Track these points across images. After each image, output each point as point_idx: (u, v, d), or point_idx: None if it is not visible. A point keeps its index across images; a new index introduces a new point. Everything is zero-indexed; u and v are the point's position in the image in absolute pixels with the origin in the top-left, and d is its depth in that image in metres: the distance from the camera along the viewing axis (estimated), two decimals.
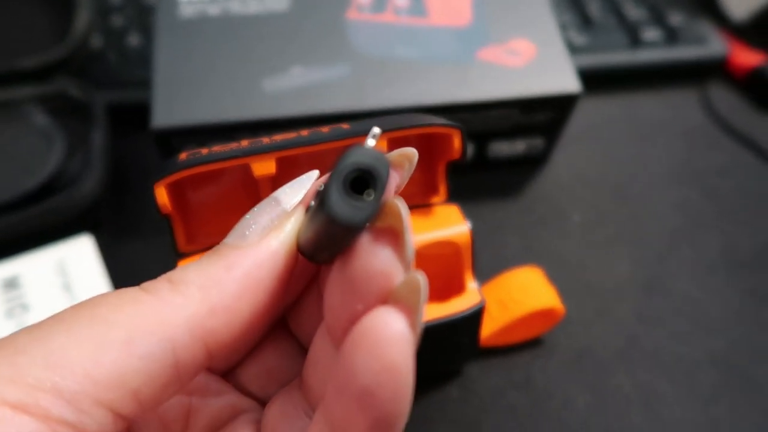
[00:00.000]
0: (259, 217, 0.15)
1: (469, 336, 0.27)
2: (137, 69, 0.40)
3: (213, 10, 0.34)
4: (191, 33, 0.34)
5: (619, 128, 0.41)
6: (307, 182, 0.16)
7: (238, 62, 0.33)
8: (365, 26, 0.34)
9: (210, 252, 0.15)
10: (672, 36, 0.43)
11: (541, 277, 0.29)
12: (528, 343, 0.30)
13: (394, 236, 0.14)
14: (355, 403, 0.13)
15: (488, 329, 0.28)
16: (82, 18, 0.37)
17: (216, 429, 0.17)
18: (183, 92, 0.31)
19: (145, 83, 0.37)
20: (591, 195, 0.37)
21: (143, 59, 0.40)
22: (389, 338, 0.12)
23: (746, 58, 0.43)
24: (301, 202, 0.16)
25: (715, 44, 0.43)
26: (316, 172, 0.17)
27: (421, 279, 0.13)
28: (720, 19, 0.45)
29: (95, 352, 0.13)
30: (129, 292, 0.14)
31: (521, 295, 0.28)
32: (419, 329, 0.13)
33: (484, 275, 0.30)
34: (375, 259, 0.13)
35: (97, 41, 0.41)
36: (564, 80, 0.33)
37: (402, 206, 0.14)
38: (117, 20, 0.42)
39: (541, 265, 0.30)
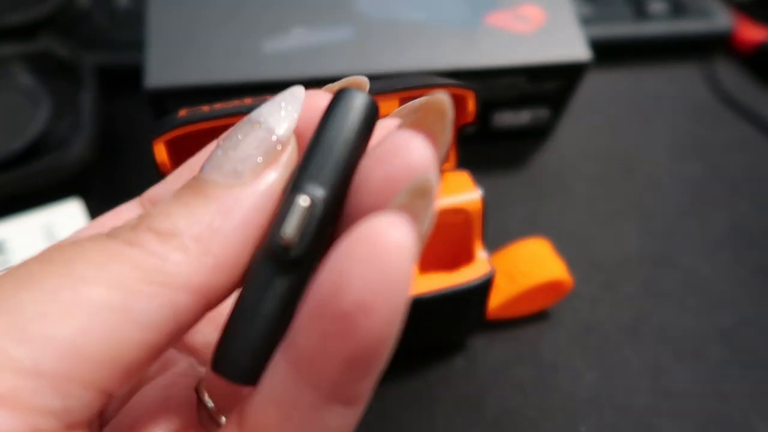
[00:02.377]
0: (248, 148, 0.13)
1: (477, 306, 0.26)
2: (126, 30, 0.38)
3: None
4: None
5: (624, 102, 0.40)
6: (296, 103, 0.14)
7: (237, 21, 0.31)
8: None
9: (192, 190, 0.13)
10: (678, 9, 0.42)
11: (548, 248, 0.28)
12: (534, 317, 0.29)
13: (432, 137, 0.12)
14: (333, 326, 0.10)
15: (495, 301, 0.27)
16: None
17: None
18: (179, 51, 0.30)
19: (134, 45, 0.35)
20: (596, 168, 0.36)
21: (132, 20, 0.38)
22: (395, 245, 0.10)
23: (752, 33, 0.42)
24: (291, 128, 0.14)
25: (720, 18, 0.42)
26: (301, 89, 0.14)
27: (433, 179, 0.12)
28: None
29: (84, 321, 0.11)
30: (108, 244, 0.12)
31: (529, 266, 0.28)
32: (420, 246, 0.12)
33: (491, 247, 0.29)
34: (410, 156, 0.12)
35: (84, 1, 0.39)
36: (574, 48, 0.32)
37: (447, 103, 0.13)
38: None
39: (547, 239, 0.30)
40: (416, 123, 0.13)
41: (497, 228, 0.33)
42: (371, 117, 0.13)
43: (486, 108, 0.34)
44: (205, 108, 0.21)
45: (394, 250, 0.10)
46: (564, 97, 0.34)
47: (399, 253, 0.10)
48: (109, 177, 0.33)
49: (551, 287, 0.28)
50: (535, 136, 0.37)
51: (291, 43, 0.30)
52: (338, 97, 0.13)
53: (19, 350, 0.10)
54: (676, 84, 0.41)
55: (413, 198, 0.12)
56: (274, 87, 0.30)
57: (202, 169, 0.13)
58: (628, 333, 0.29)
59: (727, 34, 0.42)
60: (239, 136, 0.13)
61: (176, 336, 0.12)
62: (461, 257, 0.25)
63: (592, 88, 0.39)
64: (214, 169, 0.13)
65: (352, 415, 0.12)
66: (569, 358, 0.28)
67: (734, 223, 0.34)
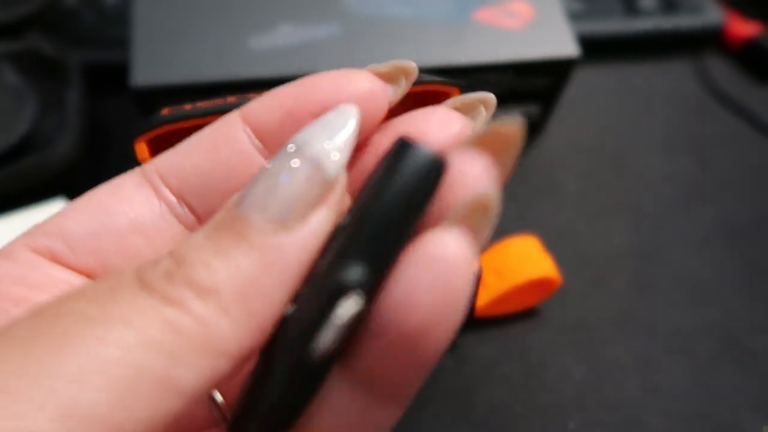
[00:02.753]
0: (295, 187, 0.11)
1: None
2: (115, 28, 0.38)
3: None
4: None
5: (614, 98, 0.40)
6: (349, 129, 0.12)
7: (223, 19, 0.31)
8: None
9: (232, 234, 0.11)
10: (668, 4, 0.42)
11: (537, 246, 0.28)
12: (523, 314, 0.29)
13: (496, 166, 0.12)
14: (399, 346, 0.11)
15: (483, 299, 0.27)
16: None
17: None
18: (165, 49, 0.30)
19: (122, 43, 0.35)
20: (586, 164, 0.36)
21: (120, 18, 0.38)
22: (459, 267, 0.10)
23: (742, 28, 0.42)
24: (343, 163, 0.12)
25: (711, 14, 0.42)
26: (353, 110, 0.13)
27: (495, 197, 0.12)
28: None
29: (123, 391, 0.10)
30: (144, 301, 0.11)
31: (517, 263, 0.28)
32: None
33: None
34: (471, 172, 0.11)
35: None
36: (562, 44, 0.32)
37: (519, 135, 0.12)
38: None
39: (537, 235, 0.30)
40: (481, 147, 0.12)
41: None
42: (436, 180, 0.11)
43: None
44: (188, 106, 0.21)
45: (458, 272, 0.11)
46: (553, 94, 0.34)
47: (462, 275, 0.11)
48: (96, 176, 0.33)
49: (540, 285, 0.28)
50: (526, 132, 0.37)
51: (278, 41, 0.30)
52: (400, 152, 0.11)
53: (50, 425, 0.09)
54: (667, 79, 0.41)
55: (473, 213, 0.12)
56: (262, 84, 0.30)
57: (240, 202, 0.12)
58: (616, 329, 0.29)
59: (717, 30, 0.42)
60: (284, 169, 0.12)
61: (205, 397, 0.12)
62: None
63: (582, 84, 0.39)
64: (257, 208, 0.11)
65: (401, 409, 0.13)
66: (558, 355, 0.28)
67: (724, 218, 0.34)
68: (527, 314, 0.29)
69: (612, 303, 0.30)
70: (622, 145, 0.37)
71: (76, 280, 0.14)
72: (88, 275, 0.14)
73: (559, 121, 0.38)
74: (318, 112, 0.13)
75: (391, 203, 0.11)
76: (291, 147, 0.12)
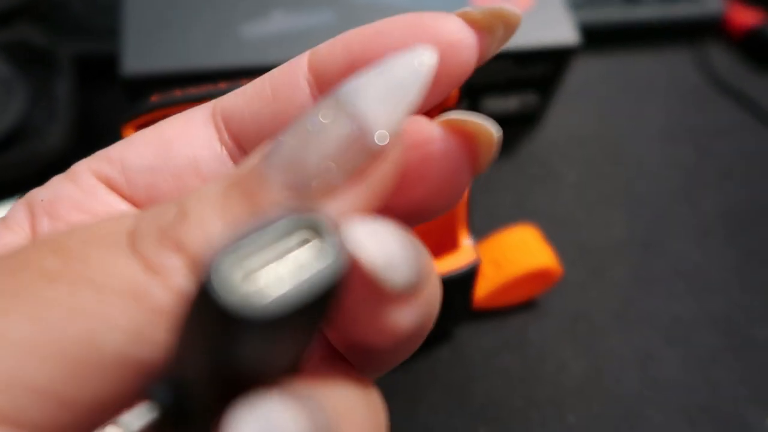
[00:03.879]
0: (328, 148, 0.09)
1: (463, 296, 0.25)
2: (105, 18, 0.37)
3: None
4: None
5: (614, 87, 0.39)
6: (414, 81, 0.10)
7: (215, 6, 0.30)
8: None
9: (245, 198, 0.10)
10: None
11: (537, 236, 0.28)
12: (521, 306, 0.29)
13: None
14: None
15: (482, 290, 0.27)
16: None
17: None
18: (155, 37, 0.29)
19: (113, 33, 0.35)
20: (586, 154, 0.35)
21: (111, 7, 0.37)
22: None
23: (743, 17, 0.41)
24: (401, 129, 0.10)
25: (711, 2, 0.42)
26: (429, 53, 0.10)
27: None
28: None
29: (71, 374, 0.09)
30: (116, 261, 0.09)
31: (516, 254, 0.27)
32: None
33: (476, 235, 0.28)
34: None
35: None
36: (562, 31, 0.31)
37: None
38: None
39: (535, 225, 0.29)
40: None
41: (486, 214, 0.32)
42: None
43: (474, 93, 0.34)
44: (178, 92, 0.20)
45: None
46: (552, 82, 0.34)
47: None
48: None
49: (539, 276, 0.27)
50: (525, 121, 0.36)
51: (270, 28, 0.30)
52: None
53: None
54: (668, 68, 0.41)
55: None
56: (254, 72, 0.29)
57: (265, 156, 0.10)
58: (616, 320, 0.29)
59: (718, 18, 0.42)
60: (319, 124, 0.09)
61: None
62: (446, 245, 0.25)
63: (582, 72, 0.39)
64: (280, 168, 0.09)
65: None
66: (557, 347, 0.28)
67: (725, 208, 0.33)
68: (526, 306, 0.29)
69: (612, 294, 0.30)
70: (621, 134, 0.37)
71: (130, 212, 0.13)
72: (141, 207, 0.13)
73: (559, 110, 0.37)
74: None
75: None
76: (334, 97, 0.10)
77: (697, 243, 0.32)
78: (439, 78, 0.11)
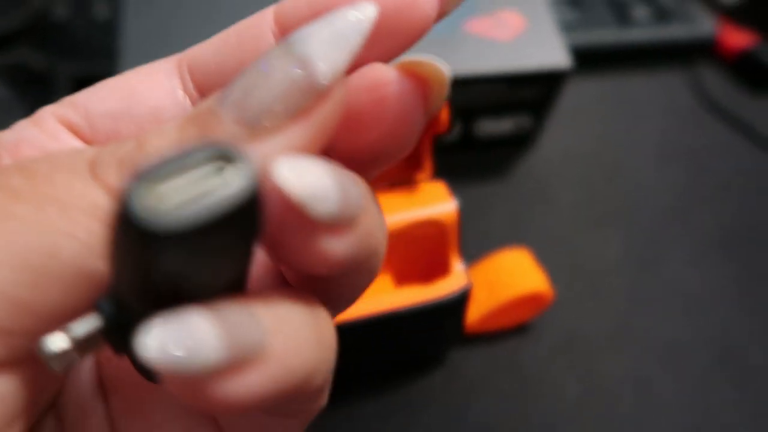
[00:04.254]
0: (276, 88, 0.10)
1: (455, 320, 0.25)
2: (105, 40, 0.37)
3: None
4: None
5: (608, 108, 0.40)
6: (356, 30, 0.11)
7: (212, 31, 0.31)
8: None
9: (200, 129, 0.10)
10: (661, 15, 0.42)
11: (529, 259, 0.28)
12: (515, 329, 0.29)
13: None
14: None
15: (474, 314, 0.27)
16: None
17: None
18: (153, 58, 0.29)
19: (113, 55, 0.35)
20: (580, 175, 0.36)
21: (112, 30, 0.38)
22: None
23: (736, 39, 0.42)
24: (344, 72, 0.11)
25: (704, 24, 0.42)
26: (371, 8, 0.11)
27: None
28: (709, 0, 0.44)
29: (33, 282, 0.10)
30: (78, 182, 0.10)
31: (509, 278, 0.27)
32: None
33: (470, 257, 0.29)
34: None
35: (63, 9, 0.39)
36: (554, 55, 0.32)
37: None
38: None
39: (530, 247, 0.29)
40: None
41: (480, 237, 0.32)
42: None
43: (468, 116, 0.34)
44: None
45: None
46: (546, 104, 0.34)
47: None
48: None
49: (531, 299, 0.27)
50: (519, 143, 0.37)
51: None
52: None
53: None
54: (661, 90, 0.41)
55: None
56: None
57: (220, 96, 0.11)
58: (611, 342, 0.29)
59: (710, 41, 0.42)
60: (269, 67, 0.10)
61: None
62: (437, 270, 0.25)
63: (576, 94, 0.39)
64: (231, 107, 0.10)
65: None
66: (551, 370, 0.28)
67: (719, 228, 0.34)
68: (520, 328, 0.29)
69: (606, 316, 0.30)
70: (616, 155, 0.37)
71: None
72: None
73: (553, 132, 0.37)
74: None
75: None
76: (285, 42, 0.10)
77: (693, 263, 0.32)
78: (400, 30, 0.12)
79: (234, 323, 0.09)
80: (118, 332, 0.10)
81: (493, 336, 0.29)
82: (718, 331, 0.30)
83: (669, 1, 0.42)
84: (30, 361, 0.11)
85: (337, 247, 0.11)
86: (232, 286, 0.11)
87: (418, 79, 0.12)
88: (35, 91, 0.33)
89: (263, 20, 0.13)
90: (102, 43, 0.37)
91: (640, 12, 0.41)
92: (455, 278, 0.24)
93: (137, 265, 0.09)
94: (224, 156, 0.09)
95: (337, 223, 0.10)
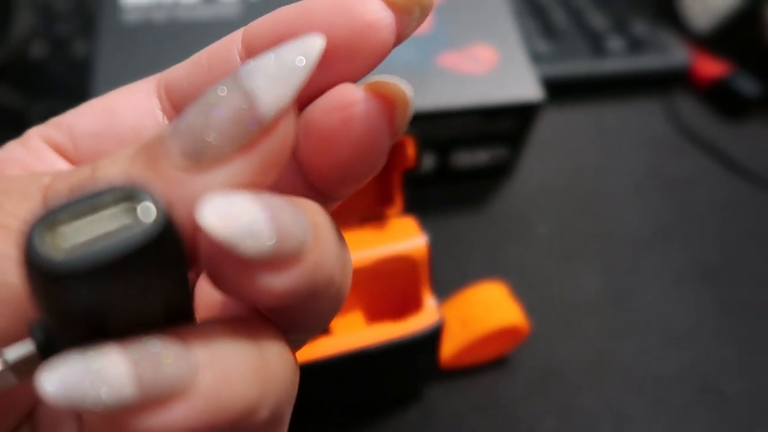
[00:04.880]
0: (219, 119, 0.10)
1: (428, 356, 0.25)
2: (84, 79, 0.38)
3: (159, 16, 0.33)
4: (135, 40, 0.32)
5: (585, 138, 0.40)
6: (303, 64, 0.11)
7: None
8: None
9: (148, 161, 0.10)
10: (635, 45, 0.42)
11: (504, 292, 0.28)
12: (491, 363, 0.29)
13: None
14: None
15: (449, 349, 0.27)
16: (21, 24, 0.35)
17: None
18: None
19: (92, 94, 0.35)
20: (557, 206, 0.36)
21: (89, 69, 0.38)
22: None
23: (709, 68, 0.42)
24: (289, 106, 0.11)
25: (677, 54, 0.43)
26: (319, 42, 0.11)
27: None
28: (682, 29, 0.45)
29: None
30: (25, 206, 0.11)
31: (483, 312, 0.27)
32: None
33: (446, 291, 0.28)
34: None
35: (40, 50, 0.39)
36: (526, 88, 0.32)
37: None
38: (63, 28, 0.40)
39: (506, 280, 0.29)
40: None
41: (456, 270, 0.32)
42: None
43: (444, 148, 0.34)
44: None
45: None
46: (521, 136, 0.34)
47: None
48: None
49: (507, 333, 0.27)
50: (496, 174, 0.37)
51: None
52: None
53: None
54: (637, 119, 0.41)
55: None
56: None
57: (171, 126, 0.11)
58: (588, 376, 0.29)
59: (684, 70, 0.42)
60: (215, 99, 0.10)
61: None
62: (409, 306, 0.25)
63: (553, 125, 0.39)
64: (178, 136, 0.10)
65: None
66: (528, 405, 0.27)
67: (696, 258, 0.34)
68: (496, 363, 0.29)
69: (583, 349, 0.29)
70: (593, 185, 0.37)
71: (51, 171, 0.14)
72: None
73: (530, 163, 0.38)
74: None
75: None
76: (232, 75, 0.11)
77: (669, 295, 0.32)
78: (360, 54, 0.12)
79: (148, 359, 0.09)
80: (51, 358, 0.10)
81: (470, 370, 0.28)
82: (698, 362, 0.29)
83: (643, 32, 0.43)
84: None
85: (277, 282, 0.10)
86: (171, 317, 0.11)
87: (384, 99, 0.12)
88: (8, 130, 0.33)
89: (233, 41, 0.13)
90: (79, 82, 0.37)
91: (615, 43, 0.42)
92: (427, 314, 0.24)
93: (48, 302, 0.09)
94: (130, 196, 0.09)
95: (274, 260, 0.10)
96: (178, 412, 0.10)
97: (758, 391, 0.28)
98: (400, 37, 0.12)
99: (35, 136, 0.14)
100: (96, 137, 0.14)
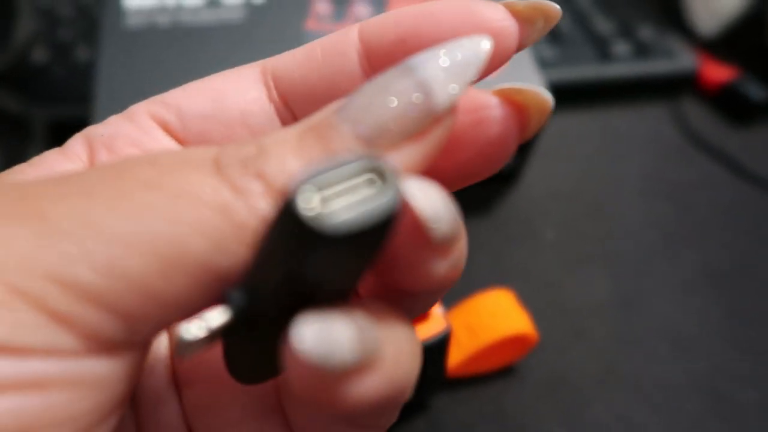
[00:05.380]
0: (395, 110, 0.11)
1: (435, 366, 0.25)
2: (86, 83, 0.37)
3: (163, 20, 0.32)
4: (139, 44, 0.31)
5: (591, 143, 0.39)
6: (473, 62, 0.11)
7: (189, 76, 0.30)
8: None
9: (319, 140, 0.11)
10: (641, 50, 0.42)
11: (512, 300, 0.27)
12: (499, 372, 0.28)
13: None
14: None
15: (456, 358, 0.26)
16: (23, 29, 0.35)
17: None
18: (127, 103, 0.29)
19: (95, 97, 0.35)
20: (564, 212, 0.35)
21: (93, 73, 0.38)
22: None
23: (716, 73, 0.42)
24: (458, 99, 0.11)
25: (684, 59, 0.42)
26: (487, 43, 0.12)
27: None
28: (689, 34, 0.45)
29: (161, 271, 0.10)
30: (213, 182, 0.10)
31: (491, 320, 0.26)
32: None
33: (451, 299, 0.28)
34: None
35: (43, 54, 0.38)
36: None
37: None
38: (65, 33, 0.40)
39: (513, 286, 0.29)
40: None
41: (463, 276, 0.31)
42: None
43: None
44: None
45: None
46: (528, 141, 0.34)
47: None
48: None
49: (515, 341, 0.27)
50: (502, 180, 0.36)
51: None
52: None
53: (91, 275, 0.10)
54: (644, 124, 0.41)
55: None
56: None
57: (338, 110, 0.11)
58: (597, 385, 0.28)
59: (691, 75, 0.42)
60: (390, 88, 0.11)
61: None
62: None
63: (559, 130, 0.39)
64: (350, 120, 0.11)
65: None
66: (536, 415, 0.27)
67: (705, 264, 0.33)
68: (503, 372, 0.28)
69: (592, 358, 0.29)
70: (600, 191, 0.37)
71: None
72: None
73: (536, 169, 0.37)
74: (435, 40, 0.12)
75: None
76: (405, 66, 0.11)
77: (679, 301, 0.31)
78: (495, 58, 0.12)
79: (363, 329, 0.10)
80: (247, 326, 0.11)
81: (477, 380, 0.28)
82: (706, 371, 0.29)
83: (649, 37, 0.42)
84: (140, 347, 0.11)
85: (438, 268, 0.11)
86: (342, 294, 0.11)
87: (517, 107, 0.12)
88: (9, 137, 0.33)
89: (347, 38, 0.14)
90: (82, 87, 0.37)
91: (621, 48, 0.42)
92: (434, 322, 0.23)
93: (287, 261, 0.10)
94: (377, 170, 0.10)
95: (448, 244, 0.11)
96: (370, 382, 0.10)
97: None
98: (521, 46, 0.13)
99: (143, 112, 0.14)
100: (204, 119, 0.14)
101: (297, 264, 0.10)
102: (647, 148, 0.39)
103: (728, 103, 0.42)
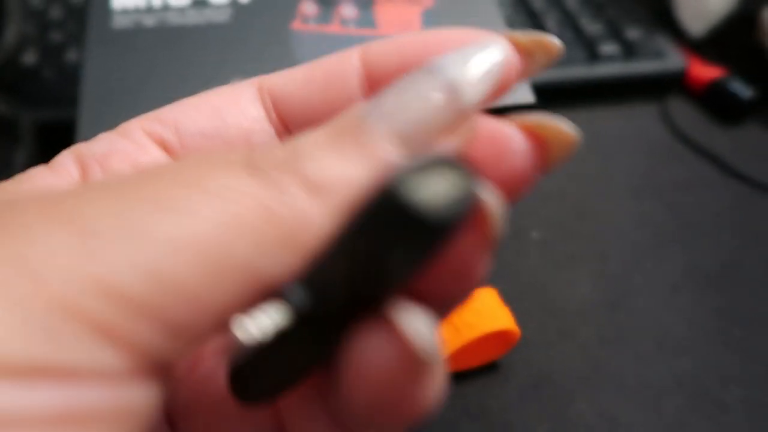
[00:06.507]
0: (427, 109, 0.11)
1: None
2: (75, 85, 0.37)
3: (149, 20, 0.33)
4: (125, 45, 0.32)
5: (580, 143, 0.39)
6: (495, 58, 0.12)
7: (176, 76, 0.31)
8: (311, 37, 0.33)
9: (354, 139, 0.11)
10: (630, 50, 0.42)
11: (494, 297, 0.27)
12: (483, 369, 0.28)
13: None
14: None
15: None
16: (13, 31, 0.35)
17: None
18: (115, 109, 0.29)
19: (82, 98, 0.35)
20: (550, 211, 0.35)
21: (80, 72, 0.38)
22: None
23: (704, 72, 0.42)
24: (484, 95, 0.11)
25: (673, 58, 0.42)
26: (504, 45, 0.12)
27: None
28: (677, 34, 0.45)
29: (205, 276, 0.10)
30: (251, 183, 0.10)
31: (473, 317, 0.27)
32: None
33: None
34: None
35: (33, 57, 0.39)
36: (517, 92, 0.32)
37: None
38: (55, 36, 0.40)
39: (499, 286, 0.29)
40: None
41: None
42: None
43: None
44: None
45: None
46: None
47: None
48: None
49: (497, 337, 0.27)
50: None
51: None
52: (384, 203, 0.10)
53: (137, 283, 0.09)
54: (632, 124, 0.41)
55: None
56: None
57: (367, 111, 0.11)
58: (582, 384, 0.28)
59: (680, 75, 0.42)
60: (418, 88, 0.11)
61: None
62: None
63: None
64: (383, 120, 0.11)
65: None
66: (520, 413, 0.27)
67: (692, 264, 0.33)
68: (488, 369, 0.28)
69: (577, 356, 0.29)
70: (587, 190, 0.37)
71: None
72: None
73: None
74: None
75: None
76: (431, 67, 0.11)
77: (666, 301, 0.31)
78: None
79: (435, 327, 0.11)
80: (308, 325, 0.10)
81: (462, 378, 0.28)
82: (695, 370, 0.29)
83: (637, 37, 0.43)
84: (170, 369, 0.10)
85: (485, 267, 0.13)
86: (392, 296, 0.11)
87: (538, 140, 0.12)
88: (0, 137, 0.33)
89: (349, 62, 0.14)
90: (72, 89, 0.37)
91: (609, 48, 0.42)
92: None
93: (371, 257, 0.10)
94: (453, 166, 0.10)
95: (495, 246, 0.12)
96: (437, 383, 0.11)
97: (757, 400, 0.28)
98: (522, 77, 0.13)
99: (137, 128, 0.14)
100: (202, 137, 0.14)
101: (385, 258, 0.10)
102: (635, 148, 0.39)
103: (716, 102, 0.42)
